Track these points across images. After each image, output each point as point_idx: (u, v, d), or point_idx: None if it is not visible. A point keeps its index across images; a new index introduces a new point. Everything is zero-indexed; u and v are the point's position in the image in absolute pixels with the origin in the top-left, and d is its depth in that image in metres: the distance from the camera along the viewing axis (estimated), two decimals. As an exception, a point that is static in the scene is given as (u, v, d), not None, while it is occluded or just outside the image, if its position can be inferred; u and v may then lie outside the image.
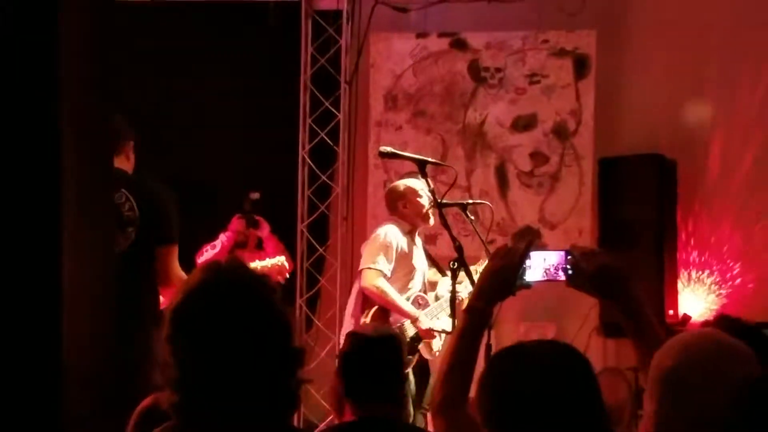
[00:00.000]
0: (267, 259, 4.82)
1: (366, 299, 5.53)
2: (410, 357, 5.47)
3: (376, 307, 5.47)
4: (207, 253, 6.65)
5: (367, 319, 5.40)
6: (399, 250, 5.52)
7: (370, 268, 5.46)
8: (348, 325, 5.59)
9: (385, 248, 5.48)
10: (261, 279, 2.04)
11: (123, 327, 3.04)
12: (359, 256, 5.73)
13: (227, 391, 1.93)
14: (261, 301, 1.99)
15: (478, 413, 2.06)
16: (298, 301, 7.31)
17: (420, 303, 5.60)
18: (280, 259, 4.76)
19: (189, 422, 1.96)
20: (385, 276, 5.46)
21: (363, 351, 3.37)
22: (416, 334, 5.50)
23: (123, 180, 4.24)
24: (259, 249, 6.79)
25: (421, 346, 5.53)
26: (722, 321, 3.15)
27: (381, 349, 3.37)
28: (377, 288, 5.43)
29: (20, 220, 2.66)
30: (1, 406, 2.61)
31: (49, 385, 2.63)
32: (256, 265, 4.64)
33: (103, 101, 3.12)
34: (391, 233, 5.53)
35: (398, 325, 5.45)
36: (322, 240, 7.51)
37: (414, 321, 5.48)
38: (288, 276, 4.87)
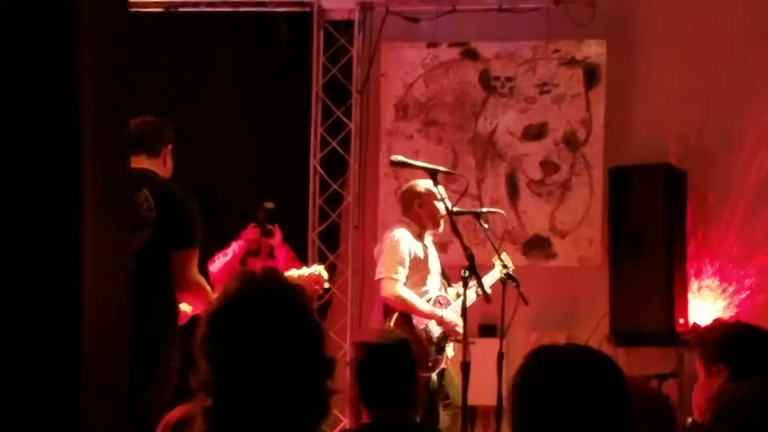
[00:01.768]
0: (304, 268, 4.80)
1: (387, 305, 5.54)
2: (438, 356, 5.48)
3: (397, 313, 5.47)
4: (219, 261, 6.67)
5: (391, 323, 5.41)
6: (412, 254, 5.52)
7: (388, 278, 5.45)
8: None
9: (400, 254, 5.47)
10: (296, 289, 2.10)
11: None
12: (371, 265, 5.73)
13: (259, 398, 1.98)
14: (295, 310, 2.04)
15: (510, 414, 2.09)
16: (309, 309, 7.30)
17: (441, 303, 5.60)
18: (318, 269, 4.74)
19: (220, 427, 2.01)
20: (402, 282, 5.47)
21: (374, 359, 3.46)
22: (442, 333, 5.50)
23: (148, 180, 4.22)
24: (272, 258, 6.82)
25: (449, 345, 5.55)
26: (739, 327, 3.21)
27: (390, 356, 3.46)
28: (397, 297, 5.42)
29: (39, 224, 2.68)
30: (17, 417, 2.63)
31: (67, 395, 2.65)
32: (292, 273, 4.63)
33: (121, 104, 3.15)
34: (403, 237, 5.52)
35: (422, 327, 5.46)
36: (334, 248, 7.54)
37: (439, 321, 5.48)
38: (326, 286, 4.81)
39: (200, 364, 2.02)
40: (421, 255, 5.56)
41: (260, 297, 2.04)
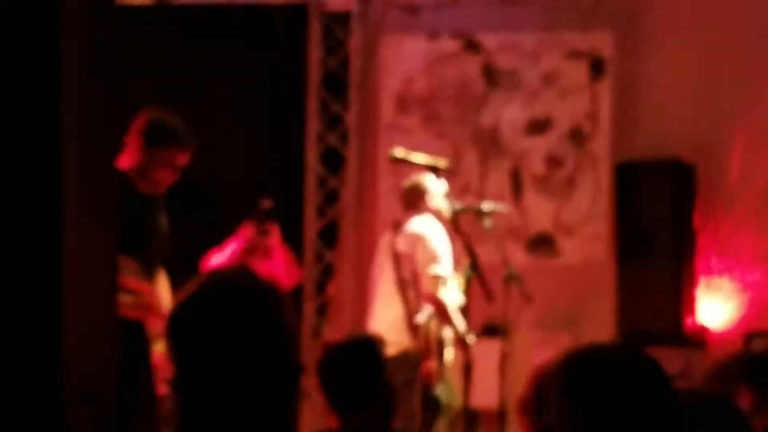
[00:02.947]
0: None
1: (411, 301, 5.45)
2: (442, 365, 5.44)
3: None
4: (215, 260, 6.60)
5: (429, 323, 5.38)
6: (444, 247, 5.49)
7: (439, 277, 5.40)
8: (381, 329, 5.49)
9: (441, 250, 5.44)
10: (264, 288, 2.02)
11: None
12: (369, 263, 5.66)
13: (222, 401, 1.93)
14: (257, 310, 1.97)
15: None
16: (307, 307, 7.29)
17: None
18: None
19: (187, 427, 1.97)
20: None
21: (334, 362, 3.40)
22: (450, 341, 5.46)
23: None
24: (269, 257, 6.73)
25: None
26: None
27: (351, 358, 3.39)
28: (441, 300, 5.38)
29: (20, 227, 2.62)
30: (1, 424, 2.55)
31: (52, 401, 2.57)
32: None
33: (108, 101, 3.07)
34: (432, 231, 5.48)
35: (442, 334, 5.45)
36: (332, 246, 7.48)
37: (459, 335, 5.41)
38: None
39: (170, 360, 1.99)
40: (449, 247, 5.50)
41: (219, 295, 1.97)
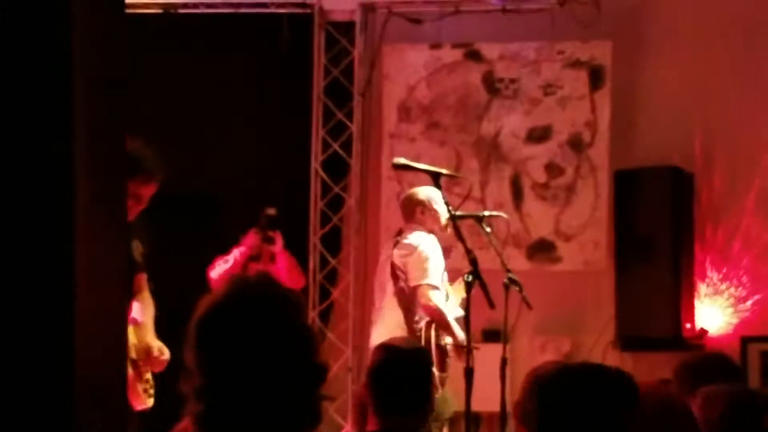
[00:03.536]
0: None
1: (410, 311, 5.47)
2: (445, 375, 5.45)
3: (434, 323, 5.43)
4: (219, 267, 6.63)
5: (429, 330, 5.37)
6: (438, 261, 5.49)
7: (430, 286, 5.39)
8: (381, 335, 5.54)
9: (434, 262, 5.43)
10: (287, 293, 2.08)
11: None
12: (372, 269, 5.67)
13: (248, 404, 1.97)
14: (285, 315, 2.02)
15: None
16: (311, 313, 7.27)
17: None
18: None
19: (216, 429, 2.00)
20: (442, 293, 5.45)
21: (396, 363, 3.39)
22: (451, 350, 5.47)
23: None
24: (273, 263, 6.76)
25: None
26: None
27: (414, 362, 3.40)
28: (440, 311, 5.38)
29: (31, 228, 2.64)
30: (10, 426, 2.58)
31: (61, 403, 2.60)
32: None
33: (117, 108, 3.12)
34: (427, 244, 5.48)
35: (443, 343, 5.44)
36: (335, 252, 7.48)
37: (458, 343, 5.42)
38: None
39: (190, 369, 2.01)
40: (442, 260, 5.53)
41: (247, 301, 2.02)
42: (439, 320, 5.40)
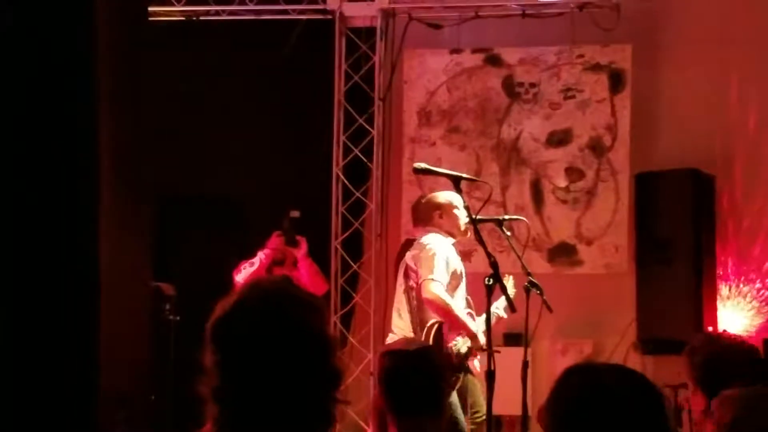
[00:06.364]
0: None
1: (422, 315, 5.48)
2: (459, 375, 5.42)
3: (434, 330, 5.41)
4: (245, 270, 6.67)
5: (430, 341, 5.34)
6: (449, 262, 5.47)
7: (431, 280, 5.36)
8: (396, 329, 5.57)
9: (440, 258, 5.41)
10: (305, 297, 2.09)
11: None
12: (394, 273, 5.67)
13: (262, 405, 1.98)
14: (300, 318, 2.02)
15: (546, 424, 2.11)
16: (333, 318, 7.27)
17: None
18: None
19: (233, 429, 2.00)
20: (444, 286, 5.41)
21: (400, 366, 3.43)
22: (468, 351, 5.44)
23: None
24: (296, 268, 6.79)
25: (469, 362, 5.48)
26: None
27: (416, 363, 3.43)
28: (441, 299, 5.34)
29: (57, 233, 2.68)
30: (37, 425, 2.62)
31: (86, 403, 2.63)
32: None
33: (140, 110, 3.15)
34: (441, 243, 5.48)
35: (451, 344, 5.40)
36: (357, 257, 7.50)
37: (472, 337, 5.42)
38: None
39: (208, 370, 2.02)
40: (456, 263, 5.51)
41: (263, 304, 2.03)
42: (443, 313, 5.36)
